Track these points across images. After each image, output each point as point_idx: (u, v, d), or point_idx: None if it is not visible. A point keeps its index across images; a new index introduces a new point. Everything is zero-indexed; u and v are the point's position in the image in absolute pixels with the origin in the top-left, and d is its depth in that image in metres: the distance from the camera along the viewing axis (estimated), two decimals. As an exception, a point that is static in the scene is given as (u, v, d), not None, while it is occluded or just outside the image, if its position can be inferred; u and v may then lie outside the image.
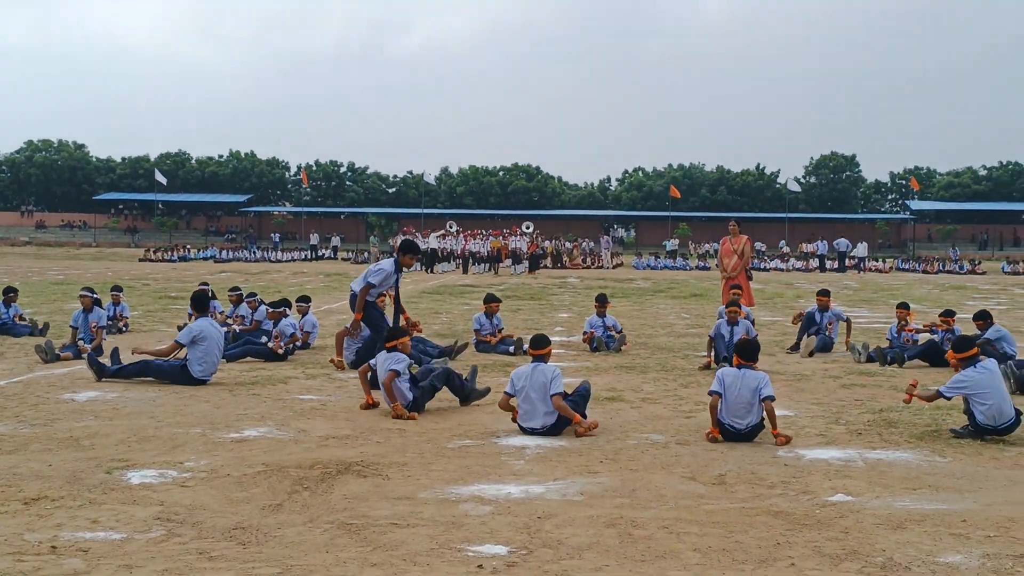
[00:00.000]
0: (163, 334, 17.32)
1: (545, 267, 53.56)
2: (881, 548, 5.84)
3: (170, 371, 11.99)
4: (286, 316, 15.11)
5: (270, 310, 15.46)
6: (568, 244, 57.38)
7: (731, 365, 9.67)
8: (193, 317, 13.14)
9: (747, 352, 9.32)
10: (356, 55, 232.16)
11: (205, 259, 64.01)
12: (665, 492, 7.17)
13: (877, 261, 61.71)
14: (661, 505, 6.82)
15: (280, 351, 14.25)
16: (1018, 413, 9.04)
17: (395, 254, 13.39)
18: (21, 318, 17.60)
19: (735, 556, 5.68)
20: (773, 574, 5.38)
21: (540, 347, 9.59)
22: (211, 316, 13.18)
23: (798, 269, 57.99)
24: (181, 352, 12.17)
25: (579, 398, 9.65)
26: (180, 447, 8.49)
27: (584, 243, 56.87)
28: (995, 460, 8.30)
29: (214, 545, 5.81)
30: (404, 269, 13.28)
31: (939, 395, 9.41)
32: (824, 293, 16.52)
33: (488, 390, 11.04)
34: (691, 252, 69.37)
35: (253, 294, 17.73)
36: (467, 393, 10.88)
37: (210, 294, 18.28)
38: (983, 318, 13.90)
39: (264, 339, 14.99)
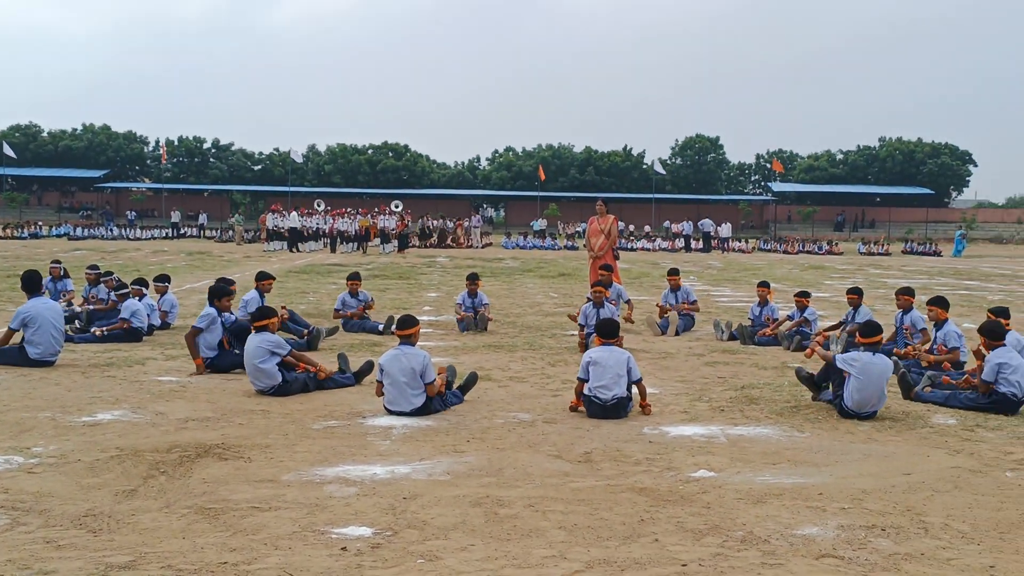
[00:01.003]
0: (9, 315, 16.56)
1: (432, 246, 53.25)
2: (741, 522, 5.94)
3: (8, 354, 11.48)
4: (141, 296, 14.59)
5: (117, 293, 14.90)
6: (451, 223, 57.01)
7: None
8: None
9: (607, 331, 9.51)
10: (223, 26, 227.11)
11: (59, 236, 61.54)
12: (531, 470, 7.16)
13: (740, 241, 63.23)
14: (527, 484, 6.80)
15: (100, 333, 13.70)
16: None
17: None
18: None
19: (600, 533, 5.70)
20: (637, 550, 5.41)
21: (407, 328, 9.49)
22: (45, 295, 12.57)
23: (664, 249, 59.03)
24: (17, 336, 11.66)
25: (461, 387, 9.93)
26: (27, 432, 8.11)
27: (440, 222, 56.56)
28: (850, 435, 8.56)
29: (63, 533, 5.55)
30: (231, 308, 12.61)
31: (832, 360, 9.63)
32: (674, 272, 16.80)
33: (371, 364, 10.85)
34: (560, 232, 69.89)
35: (110, 273, 17.12)
36: (351, 380, 10.76)
37: (63, 272, 17.60)
38: (856, 293, 14.29)
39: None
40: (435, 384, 9.27)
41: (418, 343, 9.72)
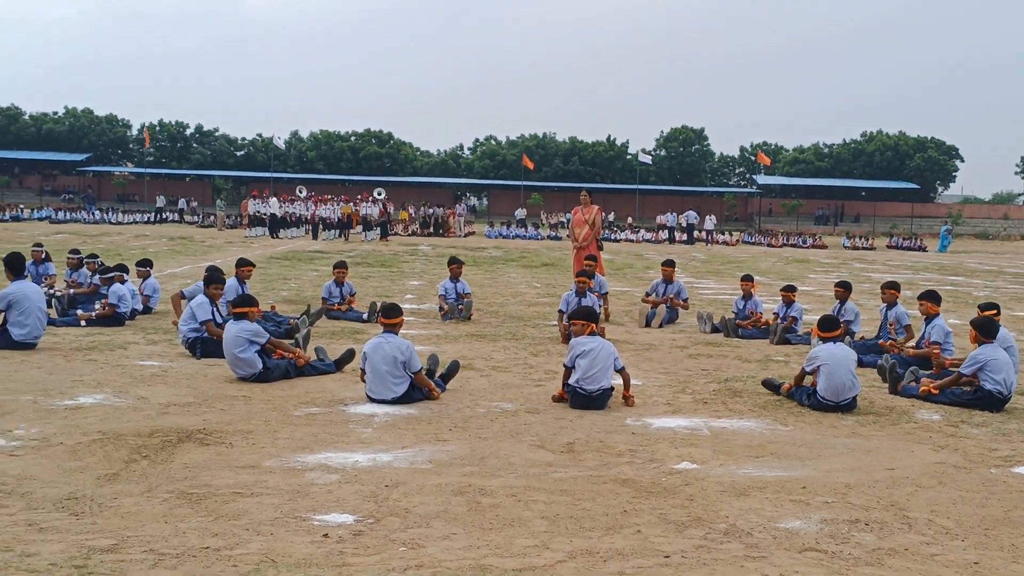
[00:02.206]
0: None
1: (428, 234, 53.07)
2: (724, 515, 5.95)
3: None
4: (123, 281, 14.50)
5: (101, 277, 14.81)
6: (440, 210, 56.76)
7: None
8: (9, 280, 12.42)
9: (590, 316, 9.59)
10: (206, 9, 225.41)
11: (40, 219, 61.12)
12: (514, 460, 7.16)
13: (724, 234, 63.34)
14: (510, 473, 6.80)
15: (83, 323, 13.64)
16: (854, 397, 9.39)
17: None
18: None
19: (582, 524, 5.70)
20: (620, 541, 5.41)
21: (391, 316, 9.48)
22: (28, 278, 12.49)
23: (648, 240, 59.06)
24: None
25: (443, 376, 9.91)
26: (9, 415, 8.06)
27: (435, 210, 56.37)
28: (834, 429, 8.58)
29: (45, 516, 5.52)
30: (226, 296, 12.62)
31: (803, 373, 9.69)
32: (669, 264, 16.78)
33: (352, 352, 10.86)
34: (543, 222, 69.86)
35: (94, 256, 17.02)
36: (332, 368, 10.73)
37: (45, 255, 17.48)
38: (844, 287, 14.24)
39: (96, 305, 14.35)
40: (422, 373, 9.28)
41: (401, 332, 9.69)
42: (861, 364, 11.01)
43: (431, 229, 54.09)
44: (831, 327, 9.77)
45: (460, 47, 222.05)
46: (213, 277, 12.06)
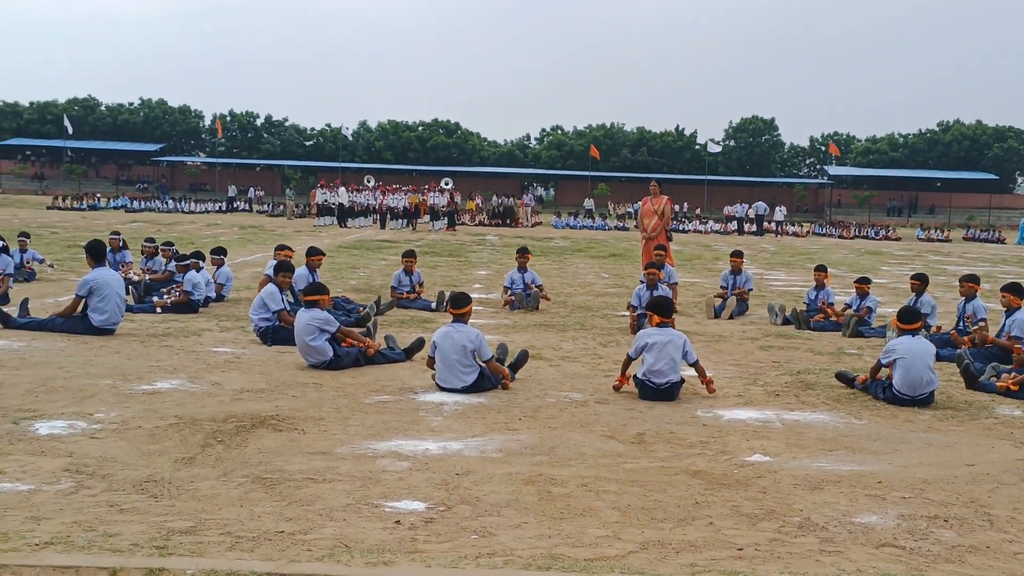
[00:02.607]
0: (72, 284, 16.82)
1: (498, 224, 53.21)
2: (798, 508, 5.88)
3: (71, 324, 11.66)
4: (198, 269, 14.73)
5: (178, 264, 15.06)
6: (509, 200, 56.80)
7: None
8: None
9: (661, 309, 9.41)
10: (276, 2, 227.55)
11: (116, 208, 62.29)
12: (584, 450, 7.14)
13: (794, 225, 62.56)
14: (580, 463, 6.79)
15: (158, 310, 13.87)
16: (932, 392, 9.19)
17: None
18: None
19: (654, 515, 5.67)
20: (692, 533, 5.37)
21: (460, 306, 9.49)
22: (108, 266, 12.78)
23: (716, 231, 58.56)
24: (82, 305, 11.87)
25: (512, 365, 9.85)
26: (90, 398, 8.23)
27: (504, 200, 56.43)
28: (910, 423, 8.43)
29: (125, 498, 5.63)
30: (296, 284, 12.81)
31: (879, 366, 9.53)
32: (737, 254, 16.62)
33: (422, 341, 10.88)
34: (610, 212, 69.57)
35: (169, 243, 17.33)
36: (402, 356, 10.77)
37: (122, 243, 17.84)
38: (920, 279, 13.99)
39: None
40: (494, 360, 9.29)
41: (470, 321, 9.71)
42: (939, 358, 10.76)
43: (499, 219, 54.14)
44: (911, 319, 9.48)
45: (527, 37, 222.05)
46: (282, 264, 12.21)
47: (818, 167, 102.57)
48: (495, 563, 4.77)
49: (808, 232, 61.17)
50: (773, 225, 59.40)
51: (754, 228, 58.41)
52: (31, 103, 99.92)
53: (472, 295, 16.63)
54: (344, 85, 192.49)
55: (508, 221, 53.84)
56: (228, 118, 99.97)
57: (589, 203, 69.74)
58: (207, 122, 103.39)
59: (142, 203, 65.03)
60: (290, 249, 14.46)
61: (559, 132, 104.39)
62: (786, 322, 14.66)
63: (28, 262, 17.89)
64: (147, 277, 16.09)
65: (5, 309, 12.38)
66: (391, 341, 11.13)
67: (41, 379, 8.90)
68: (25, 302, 12.65)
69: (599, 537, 5.26)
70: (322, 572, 4.47)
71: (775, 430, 7.99)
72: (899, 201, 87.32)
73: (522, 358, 10.03)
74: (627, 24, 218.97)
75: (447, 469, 6.50)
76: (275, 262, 13.01)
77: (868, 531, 5.51)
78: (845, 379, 9.89)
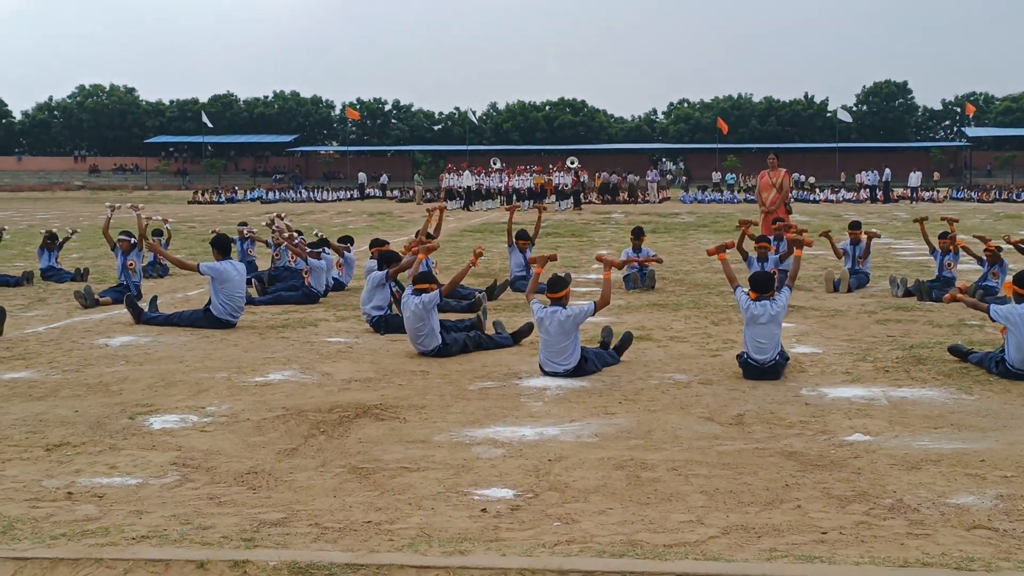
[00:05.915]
0: (204, 279, 17.45)
1: (622, 201, 53.02)
2: (892, 489, 5.77)
3: (195, 318, 12.14)
4: (319, 257, 15.10)
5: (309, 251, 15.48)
6: (633, 177, 56.45)
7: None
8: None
9: (760, 284, 9.20)
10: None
11: (252, 200, 64.12)
12: (680, 433, 7.14)
13: (931, 191, 60.44)
14: (674, 446, 6.79)
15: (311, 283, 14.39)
16: None
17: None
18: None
19: (741, 498, 5.64)
20: (777, 516, 5.34)
21: (557, 290, 9.37)
22: (234, 257, 13.28)
23: (848, 200, 56.97)
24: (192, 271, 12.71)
25: (617, 347, 9.88)
26: (205, 392, 8.60)
27: (627, 176, 56.06)
28: (1023, 398, 8.14)
29: (225, 490, 5.88)
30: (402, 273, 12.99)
31: (986, 309, 9.17)
32: (855, 226, 16.22)
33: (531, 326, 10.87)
34: (739, 184, 68.39)
35: (298, 232, 17.82)
36: (509, 341, 10.88)
37: (249, 233, 18.44)
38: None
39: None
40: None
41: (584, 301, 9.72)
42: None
43: (610, 196, 53.62)
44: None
45: (651, 10, 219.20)
46: (387, 255, 12.39)
47: (956, 129, 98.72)
48: (571, 551, 4.82)
49: (945, 197, 58.95)
50: (908, 191, 57.48)
51: (881, 195, 56.49)
52: (172, 101, 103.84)
53: (589, 276, 16.82)
54: (473, 69, 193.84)
55: (633, 198, 53.44)
56: (357, 106, 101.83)
57: (716, 176, 68.73)
58: (337, 111, 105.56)
59: (277, 193, 66.75)
60: (386, 243, 14.63)
61: (686, 105, 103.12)
62: (907, 294, 14.25)
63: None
64: (278, 264, 16.66)
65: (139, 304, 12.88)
66: (499, 327, 11.24)
67: (161, 373, 9.31)
68: (154, 300, 13.19)
69: (682, 522, 5.27)
70: (398, 562, 4.59)
71: (879, 408, 7.83)
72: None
73: (626, 340, 10.02)
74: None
75: (540, 455, 6.58)
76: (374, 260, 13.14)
77: (961, 512, 5.37)
78: (959, 352, 9.56)
